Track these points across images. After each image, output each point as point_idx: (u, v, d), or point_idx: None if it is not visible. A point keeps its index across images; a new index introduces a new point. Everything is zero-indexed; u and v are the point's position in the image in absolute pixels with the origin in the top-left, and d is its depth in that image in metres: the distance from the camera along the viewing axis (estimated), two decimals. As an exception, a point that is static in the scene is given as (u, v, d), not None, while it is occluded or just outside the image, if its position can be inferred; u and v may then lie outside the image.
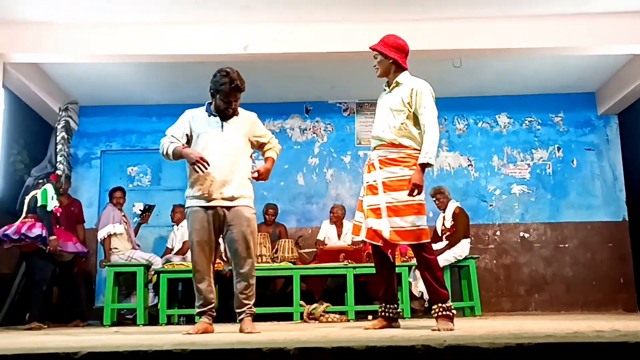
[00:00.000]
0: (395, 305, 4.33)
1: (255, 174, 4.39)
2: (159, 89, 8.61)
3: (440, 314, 4.00)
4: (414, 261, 7.15)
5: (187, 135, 4.41)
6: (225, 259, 7.86)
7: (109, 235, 7.16)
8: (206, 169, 4.17)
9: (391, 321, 4.31)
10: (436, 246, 7.26)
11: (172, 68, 7.82)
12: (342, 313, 6.37)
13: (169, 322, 6.82)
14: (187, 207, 4.37)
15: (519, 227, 8.82)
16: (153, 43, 6.97)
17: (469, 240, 7.26)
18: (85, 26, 6.87)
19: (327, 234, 7.83)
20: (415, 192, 3.97)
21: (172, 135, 4.43)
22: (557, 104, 9.10)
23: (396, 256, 6.71)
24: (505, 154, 9.04)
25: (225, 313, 7.25)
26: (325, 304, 6.28)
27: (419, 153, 4.07)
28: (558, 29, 6.92)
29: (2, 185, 7.00)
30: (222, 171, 4.28)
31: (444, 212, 7.48)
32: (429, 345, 2.23)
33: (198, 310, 4.35)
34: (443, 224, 7.42)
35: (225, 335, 3.85)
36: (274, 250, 7.06)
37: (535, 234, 8.78)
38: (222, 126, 4.40)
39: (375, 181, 4.14)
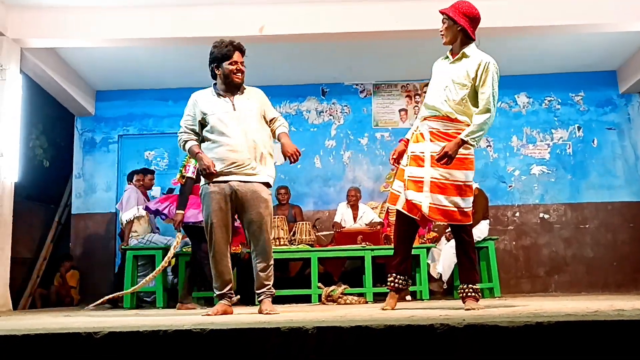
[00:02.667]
0: (406, 277, 4.21)
1: (287, 160, 4.35)
2: (175, 73, 8.60)
3: (468, 294, 3.96)
4: (430, 243, 7.16)
5: (199, 121, 4.33)
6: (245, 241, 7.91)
7: (133, 219, 7.14)
8: (211, 177, 4.18)
9: (400, 292, 4.25)
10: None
11: (188, 51, 7.80)
12: (360, 295, 6.37)
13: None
14: (203, 187, 4.31)
15: (538, 208, 8.74)
16: (169, 26, 6.97)
17: (488, 221, 7.21)
18: (101, 10, 6.88)
19: (344, 216, 7.81)
20: (444, 160, 3.81)
21: (186, 127, 4.35)
22: (577, 82, 8.96)
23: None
24: (525, 134, 8.94)
25: (244, 295, 7.31)
26: (343, 286, 6.28)
27: None
28: (578, 6, 6.79)
29: (21, 170, 7.06)
30: (241, 150, 4.22)
31: (462, 193, 7.42)
32: (448, 324, 2.21)
33: (217, 292, 4.35)
34: (461, 205, 7.36)
35: (244, 316, 3.87)
36: (292, 233, 7.06)
37: (555, 214, 8.70)
38: (233, 105, 4.31)
39: (422, 152, 3.96)
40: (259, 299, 4.37)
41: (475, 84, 3.92)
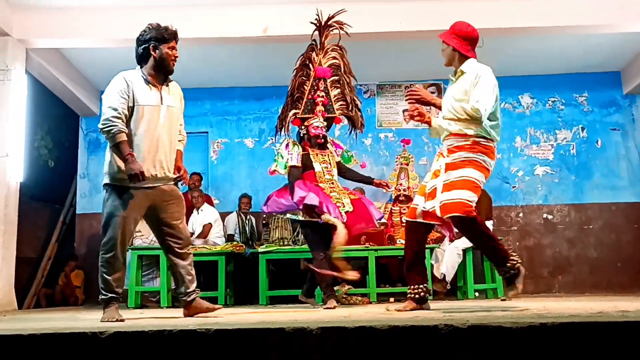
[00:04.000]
0: (425, 285, 4.15)
1: (180, 178, 4.13)
2: (178, 72, 8.51)
3: (504, 276, 3.93)
4: (433, 244, 7.16)
5: (129, 107, 3.90)
6: (249, 241, 7.92)
7: (137, 219, 7.14)
8: (137, 182, 3.76)
9: (421, 303, 4.11)
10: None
11: (191, 51, 7.81)
12: (364, 295, 6.37)
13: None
14: (117, 184, 3.88)
15: (542, 209, 8.74)
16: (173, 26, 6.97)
17: (491, 222, 7.22)
18: (106, 10, 6.90)
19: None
20: (411, 92, 4.05)
21: (123, 111, 3.85)
22: (581, 83, 8.95)
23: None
24: (529, 134, 8.94)
25: (244, 294, 7.33)
26: (347, 286, 6.28)
27: (484, 140, 3.97)
28: (582, 6, 6.79)
29: (26, 170, 7.08)
30: (163, 150, 3.97)
31: (466, 194, 7.42)
32: (452, 325, 2.22)
33: (112, 295, 3.89)
34: (465, 206, 7.36)
35: (249, 316, 3.88)
36: (295, 233, 7.07)
37: (558, 215, 8.69)
38: (161, 97, 4.00)
39: (440, 166, 4.06)
40: (190, 298, 4.10)
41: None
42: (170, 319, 3.90)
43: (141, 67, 4.09)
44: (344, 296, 6.16)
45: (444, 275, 6.92)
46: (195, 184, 8.15)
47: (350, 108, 5.87)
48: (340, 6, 5.74)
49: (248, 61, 8.22)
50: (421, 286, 4.12)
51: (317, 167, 5.47)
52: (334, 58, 5.97)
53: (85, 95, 8.65)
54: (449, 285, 7.03)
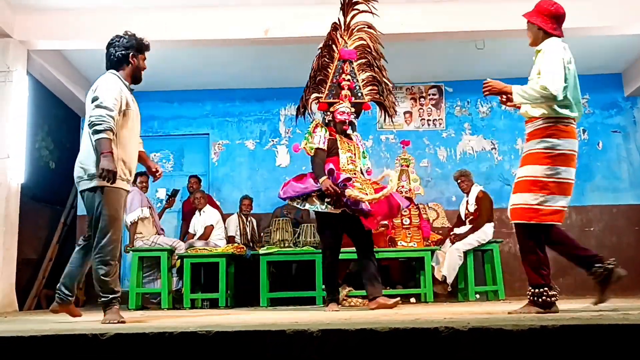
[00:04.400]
0: (553, 287, 3.92)
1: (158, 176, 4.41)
2: (180, 75, 8.63)
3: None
4: (435, 246, 7.15)
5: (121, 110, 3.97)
6: (250, 243, 7.92)
7: (137, 220, 7.15)
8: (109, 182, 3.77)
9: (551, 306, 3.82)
10: (459, 230, 7.23)
11: (192, 53, 7.84)
12: (364, 297, 6.36)
13: (193, 306, 6.88)
14: (105, 186, 3.84)
15: (543, 211, 8.71)
16: (173, 28, 6.99)
17: (492, 224, 7.20)
18: (106, 12, 6.90)
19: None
20: (485, 85, 3.89)
21: (114, 114, 3.85)
22: (582, 85, 8.62)
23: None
24: (530, 136, 8.92)
25: (245, 296, 7.33)
26: (347, 288, 6.29)
27: (553, 121, 3.74)
28: (584, 8, 6.78)
29: (27, 171, 7.09)
30: (136, 155, 4.15)
31: (467, 196, 7.42)
32: (453, 327, 2.22)
33: (113, 296, 3.89)
34: (466, 208, 7.36)
35: (250, 318, 3.88)
36: (296, 235, 7.07)
37: (559, 217, 8.67)
38: (135, 100, 4.19)
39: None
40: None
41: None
42: (171, 320, 3.90)
43: (117, 71, 4.13)
44: (345, 298, 6.16)
45: (445, 278, 6.91)
46: (193, 187, 8.16)
47: (381, 93, 5.53)
48: (337, 8, 5.64)
49: (249, 63, 8.22)
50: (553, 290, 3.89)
51: (342, 155, 5.19)
52: (361, 39, 5.60)
53: (84, 96, 8.64)
54: (449, 287, 7.02)
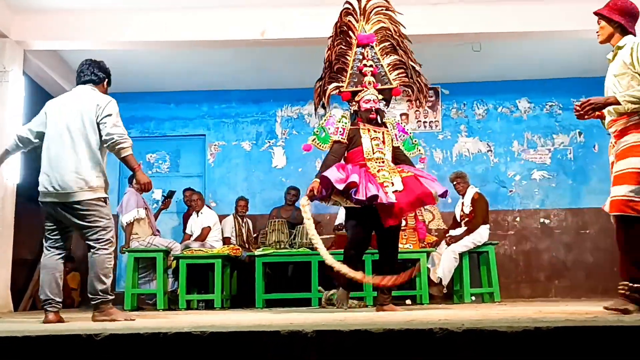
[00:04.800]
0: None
1: None
2: (176, 76, 8.62)
3: (624, 292, 3.72)
4: (430, 247, 7.15)
5: None
6: (246, 244, 7.92)
7: (133, 221, 7.13)
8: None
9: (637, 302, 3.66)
10: (455, 232, 7.24)
11: (189, 54, 7.84)
12: (360, 299, 6.37)
13: (188, 307, 6.88)
14: (107, 198, 4.19)
15: (539, 213, 8.75)
16: (170, 29, 7.00)
17: (488, 226, 7.21)
18: (103, 13, 6.91)
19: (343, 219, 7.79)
20: (584, 106, 3.77)
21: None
22: (579, 87, 8.94)
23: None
24: (526, 139, 8.95)
25: (241, 297, 7.33)
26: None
27: None
28: (581, 10, 6.77)
29: (23, 172, 7.06)
30: None
31: (463, 198, 7.43)
32: (447, 329, 2.22)
33: (111, 296, 4.15)
34: (462, 210, 7.37)
35: (244, 318, 3.87)
36: (292, 237, 7.07)
37: (555, 220, 8.70)
38: None
39: (612, 159, 3.82)
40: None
41: (636, 68, 3.73)
42: (166, 320, 3.90)
43: (97, 83, 4.40)
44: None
45: (441, 279, 6.92)
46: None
47: (410, 76, 5.16)
48: (336, 10, 5.59)
49: (246, 64, 8.23)
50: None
51: (366, 142, 4.85)
52: (380, 22, 5.29)
53: (83, 97, 8.64)
54: (445, 289, 7.03)
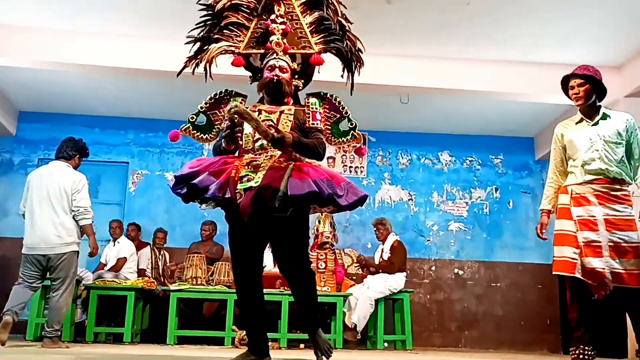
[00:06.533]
0: (592, 347, 3.81)
1: None
2: (104, 100, 8.46)
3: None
4: (348, 290, 7.20)
5: None
6: (162, 277, 7.74)
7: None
8: None
9: None
10: (372, 277, 7.30)
11: (118, 80, 7.71)
12: (274, 340, 6.32)
13: (96, 339, 6.62)
14: (78, 252, 5.56)
15: (453, 264, 8.98)
16: (101, 54, 6.88)
17: (404, 273, 7.34)
18: (31, 32, 6.73)
19: (265, 260, 7.72)
20: None
21: None
22: (497, 146, 9.37)
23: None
24: (445, 190, 9.23)
25: (153, 332, 7.12)
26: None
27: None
28: (503, 75, 7.18)
29: None
30: None
31: (383, 244, 7.55)
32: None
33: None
34: (381, 256, 7.48)
35: (150, 353, 3.77)
36: (210, 273, 6.97)
37: (469, 271, 8.95)
38: None
39: (593, 217, 3.83)
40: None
41: (630, 142, 3.95)
42: (64, 352, 3.75)
43: (69, 160, 5.70)
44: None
45: (355, 325, 6.96)
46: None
47: (338, 40, 3.66)
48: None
49: (175, 95, 8.14)
50: (587, 348, 3.82)
51: (247, 126, 3.36)
52: None
53: (2, 114, 8.32)
54: (359, 334, 7.07)
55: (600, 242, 3.78)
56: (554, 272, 3.91)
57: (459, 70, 7.13)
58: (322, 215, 7.95)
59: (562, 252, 3.85)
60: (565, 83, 4.15)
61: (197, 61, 3.79)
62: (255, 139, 3.36)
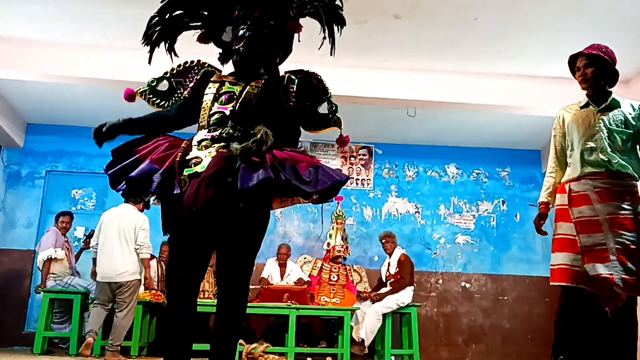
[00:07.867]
0: None
1: None
2: (111, 113, 8.40)
3: None
4: (356, 304, 7.19)
5: None
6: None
7: (49, 260, 6.89)
8: None
9: None
10: (380, 292, 7.30)
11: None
12: (281, 354, 6.29)
13: (102, 353, 6.60)
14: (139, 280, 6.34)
15: (460, 277, 8.95)
16: (109, 67, 6.90)
17: (412, 287, 7.32)
18: (40, 45, 6.76)
19: (271, 272, 7.74)
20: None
21: None
22: (504, 158, 9.36)
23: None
24: (452, 203, 9.22)
25: (161, 346, 7.09)
26: (265, 344, 6.18)
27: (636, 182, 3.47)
28: (511, 88, 7.18)
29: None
30: None
31: (389, 258, 7.54)
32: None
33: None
34: (388, 270, 7.47)
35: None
36: (217, 287, 6.95)
37: (476, 284, 8.92)
38: None
39: (595, 217, 3.41)
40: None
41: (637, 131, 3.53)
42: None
43: (136, 204, 6.50)
44: (261, 354, 6.07)
45: (362, 340, 6.94)
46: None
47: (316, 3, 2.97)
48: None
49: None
50: None
51: (207, 100, 2.93)
52: None
53: (10, 126, 8.35)
54: (366, 349, 7.05)
55: (605, 244, 3.34)
56: (550, 283, 3.52)
57: (466, 83, 7.14)
58: (332, 229, 7.98)
59: (557, 260, 3.49)
60: (572, 63, 3.72)
61: (157, 37, 3.28)
62: (211, 112, 2.85)
